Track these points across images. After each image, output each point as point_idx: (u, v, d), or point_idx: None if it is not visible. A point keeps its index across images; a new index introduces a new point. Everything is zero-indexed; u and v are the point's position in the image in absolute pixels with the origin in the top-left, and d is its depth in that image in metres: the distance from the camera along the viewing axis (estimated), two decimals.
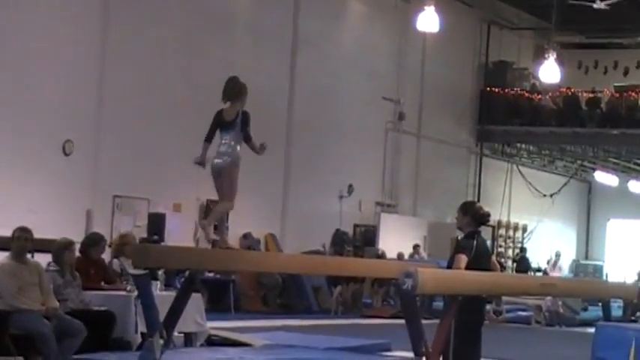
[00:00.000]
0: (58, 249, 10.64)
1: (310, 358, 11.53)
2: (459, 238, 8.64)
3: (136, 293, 10.34)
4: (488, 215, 8.63)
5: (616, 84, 31.11)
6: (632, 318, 21.67)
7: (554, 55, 28.01)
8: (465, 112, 31.32)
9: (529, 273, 28.29)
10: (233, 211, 8.12)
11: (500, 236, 32.90)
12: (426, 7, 24.35)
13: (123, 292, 11.04)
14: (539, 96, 31.40)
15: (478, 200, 26.68)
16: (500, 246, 32.77)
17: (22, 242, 9.85)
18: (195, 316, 11.58)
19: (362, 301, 22.61)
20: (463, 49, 30.80)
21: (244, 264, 8.30)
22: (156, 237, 18.94)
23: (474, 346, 8.42)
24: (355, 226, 26.59)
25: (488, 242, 15.98)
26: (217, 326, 13.44)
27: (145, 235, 19.18)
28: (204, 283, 17.54)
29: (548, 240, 34.44)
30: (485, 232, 12.46)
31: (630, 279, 26.16)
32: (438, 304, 17.71)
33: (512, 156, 33.12)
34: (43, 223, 14.20)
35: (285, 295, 21.82)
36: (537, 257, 32.52)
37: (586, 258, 37.35)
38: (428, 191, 29.33)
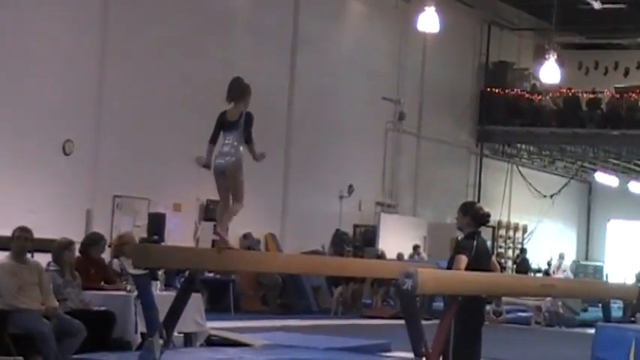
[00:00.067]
0: (58, 249, 10.64)
1: (310, 359, 11.53)
2: (459, 238, 8.64)
3: (135, 293, 10.34)
4: (489, 216, 8.62)
5: (616, 85, 31.11)
6: (632, 319, 21.65)
7: (555, 56, 28.01)
8: (465, 112, 31.32)
9: (529, 274, 28.28)
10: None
11: (501, 237, 32.91)
12: (426, 8, 24.35)
13: (123, 292, 11.04)
14: (540, 96, 31.40)
15: (478, 201, 26.67)
16: (501, 246, 32.77)
17: (22, 242, 9.85)
18: (195, 316, 11.58)
19: (362, 301, 22.61)
20: (463, 50, 30.81)
21: (244, 264, 8.30)
22: (156, 237, 18.93)
23: (474, 346, 8.41)
24: (355, 226, 26.59)
25: (489, 243, 15.97)
26: (217, 326, 13.44)
27: (145, 235, 19.18)
28: (204, 283, 17.54)
29: (548, 241, 34.45)
30: (486, 233, 12.46)
31: (630, 280, 26.15)
32: (438, 305, 17.71)
33: (512, 156, 33.12)
34: (43, 222, 14.21)
35: (285, 295, 21.81)
36: (537, 258, 32.52)
37: (586, 259, 37.36)
38: (428, 191, 29.33)
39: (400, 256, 23.68)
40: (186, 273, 8.48)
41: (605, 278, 32.42)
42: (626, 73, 33.19)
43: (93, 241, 11.61)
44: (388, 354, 13.43)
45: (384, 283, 21.66)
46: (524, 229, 34.23)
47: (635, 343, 10.98)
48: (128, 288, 11.02)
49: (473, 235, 8.41)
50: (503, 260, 30.68)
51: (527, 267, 30.30)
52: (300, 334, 15.09)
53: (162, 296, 9.80)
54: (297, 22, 24.28)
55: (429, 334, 7.41)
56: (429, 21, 24.55)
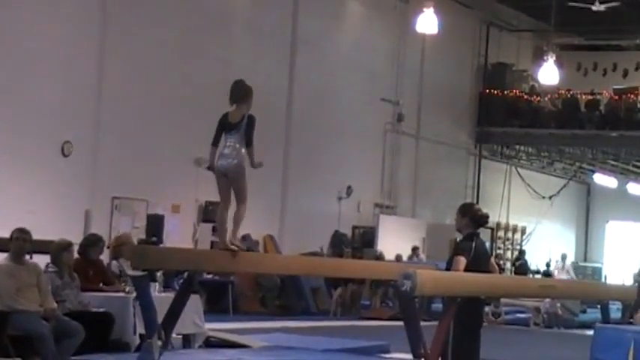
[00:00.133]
0: (57, 250, 10.64)
1: None
2: (458, 239, 8.63)
3: (134, 294, 10.35)
4: (487, 217, 8.62)
5: (615, 86, 31.14)
6: (631, 320, 21.64)
7: (554, 57, 28.03)
8: (464, 113, 31.32)
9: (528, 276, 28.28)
10: (231, 211, 8.11)
11: (499, 238, 32.91)
12: (425, 9, 24.37)
13: (121, 294, 11.04)
14: (538, 98, 31.43)
15: (477, 202, 26.65)
16: (499, 248, 32.78)
17: (20, 243, 9.84)
18: (193, 317, 11.57)
19: (360, 302, 22.60)
20: (462, 51, 30.81)
21: (243, 265, 8.29)
22: (154, 238, 18.91)
23: (473, 347, 8.41)
24: (354, 227, 26.58)
25: (487, 244, 15.97)
26: (216, 328, 13.43)
27: (143, 236, 19.16)
28: (202, 285, 17.52)
29: (547, 242, 34.46)
30: (484, 234, 12.46)
31: (628, 281, 26.16)
32: (437, 306, 17.72)
33: (511, 158, 33.12)
34: (42, 224, 14.19)
35: (284, 296, 21.80)
36: (536, 259, 32.52)
37: (585, 260, 37.37)
38: (427, 193, 29.33)
39: (399, 258, 23.67)
40: (185, 274, 8.47)
41: (603, 279, 32.42)
42: (625, 74, 33.20)
43: (91, 243, 11.61)
44: (387, 355, 13.43)
45: (383, 284, 21.65)
46: (523, 231, 34.24)
47: (633, 344, 10.98)
48: (127, 289, 11.02)
49: (472, 237, 8.41)
50: (502, 261, 30.67)
51: (526, 269, 30.28)
52: (298, 335, 15.09)
53: (161, 297, 9.80)
54: (296, 23, 24.28)
55: (428, 336, 7.41)
56: (427, 22, 24.57)
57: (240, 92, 8.09)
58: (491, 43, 31.99)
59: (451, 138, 30.47)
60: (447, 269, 8.23)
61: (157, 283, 11.32)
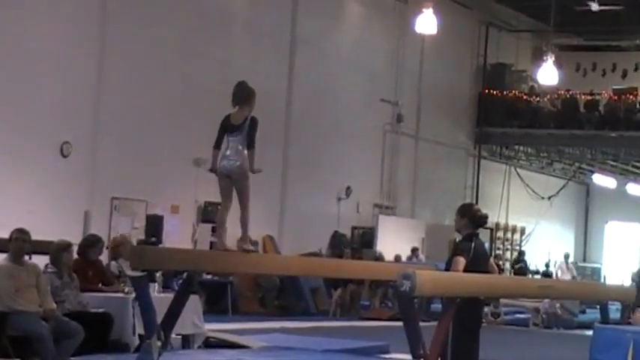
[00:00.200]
0: (56, 250, 10.64)
1: None
2: (457, 240, 8.63)
3: (133, 295, 10.34)
4: (486, 217, 8.62)
5: (614, 86, 31.15)
6: (630, 320, 21.63)
7: (553, 58, 28.03)
8: (463, 114, 31.32)
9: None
10: (231, 213, 8.11)
11: (499, 238, 32.91)
12: (424, 9, 24.36)
13: (121, 294, 11.05)
14: (538, 98, 31.43)
15: (476, 202, 26.65)
16: (499, 248, 32.77)
17: (19, 244, 9.84)
18: (193, 317, 11.57)
19: (360, 303, 22.60)
20: (461, 51, 30.81)
21: (242, 266, 8.29)
22: (154, 239, 18.92)
23: (472, 348, 8.41)
24: (353, 228, 26.57)
25: (487, 244, 15.97)
26: (215, 328, 13.42)
27: (142, 236, 19.17)
28: (201, 285, 17.52)
29: (546, 242, 34.46)
30: (484, 235, 12.48)
31: (628, 281, 26.15)
32: (436, 307, 17.70)
33: (510, 158, 33.12)
34: (41, 224, 14.18)
35: (283, 296, 21.80)
36: (535, 260, 32.52)
37: (584, 260, 37.36)
38: (426, 193, 29.33)
39: (398, 258, 23.67)
40: (184, 275, 8.46)
41: (602, 280, 32.42)
42: (624, 74, 33.20)
43: (91, 243, 11.61)
44: (386, 355, 13.43)
45: (383, 284, 21.65)
46: (522, 231, 34.24)
47: (633, 344, 10.98)
48: (126, 290, 11.02)
49: (471, 237, 8.41)
50: (501, 262, 30.67)
51: (525, 270, 30.28)
52: (298, 335, 15.09)
53: (160, 298, 9.78)
54: (295, 23, 24.28)
55: (427, 336, 7.41)
56: (427, 22, 24.56)
57: (243, 94, 8.08)
58: (490, 44, 31.99)
59: (450, 138, 30.47)
60: (447, 269, 8.23)
61: (156, 284, 11.32)
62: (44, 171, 18.27)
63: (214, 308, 18.94)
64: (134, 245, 12.01)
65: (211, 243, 19.13)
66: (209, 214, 20.81)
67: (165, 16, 20.68)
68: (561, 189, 34.92)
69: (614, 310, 22.75)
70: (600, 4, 28.60)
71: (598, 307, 22.37)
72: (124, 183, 19.83)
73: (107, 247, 12.39)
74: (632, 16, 28.78)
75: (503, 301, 21.56)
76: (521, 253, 32.00)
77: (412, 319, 7.40)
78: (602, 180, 34.94)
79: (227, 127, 7.98)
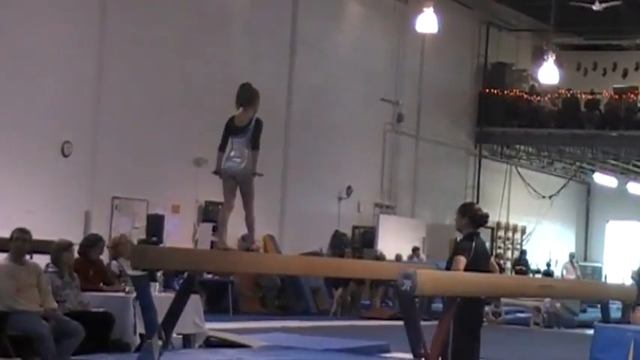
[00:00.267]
0: (57, 250, 10.64)
1: (309, 359, 11.53)
2: (458, 239, 8.64)
3: (134, 294, 10.34)
4: (487, 217, 8.62)
5: (615, 85, 31.14)
6: (629, 319, 21.62)
7: (553, 57, 28.04)
8: (464, 113, 31.32)
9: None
10: (234, 215, 8.14)
11: (499, 238, 32.92)
12: (424, 9, 24.37)
13: (121, 294, 11.05)
14: (538, 97, 31.43)
15: (477, 202, 26.62)
16: (500, 247, 32.78)
17: (20, 243, 9.85)
18: (193, 317, 11.57)
19: (361, 302, 22.60)
20: (462, 51, 30.81)
21: (243, 265, 8.29)
22: (154, 238, 18.93)
23: (473, 347, 8.41)
24: (354, 227, 26.58)
25: (487, 244, 15.97)
26: (216, 327, 13.43)
27: (143, 236, 19.17)
28: (202, 285, 17.52)
29: (547, 242, 34.45)
30: (484, 234, 12.46)
31: (628, 280, 26.15)
32: (437, 306, 17.71)
33: (511, 157, 33.12)
34: (42, 224, 14.19)
35: (284, 296, 21.80)
36: (536, 259, 32.51)
37: (585, 259, 37.35)
38: (426, 193, 29.32)
39: (398, 257, 23.67)
40: (185, 274, 8.47)
41: (603, 279, 32.41)
42: (625, 74, 33.20)
43: (91, 243, 11.62)
44: (387, 355, 13.43)
45: (383, 284, 21.65)
46: (523, 230, 34.24)
47: (633, 343, 10.99)
48: (127, 289, 11.03)
49: (472, 236, 8.41)
50: (502, 261, 30.68)
51: (526, 270, 30.27)
52: (298, 335, 15.08)
53: (161, 297, 9.79)
54: (295, 23, 24.28)
55: (428, 335, 7.41)
56: (427, 22, 24.57)
57: (247, 95, 8.10)
58: (490, 43, 31.99)
59: (451, 138, 30.47)
60: (447, 269, 8.24)
61: (157, 283, 11.32)
62: (45, 171, 18.28)
63: (215, 308, 18.93)
64: (135, 245, 12.01)
65: (212, 242, 19.16)
66: (210, 214, 20.81)
67: (165, 16, 20.68)
68: (562, 188, 34.91)
69: (615, 309, 22.79)
70: (601, 3, 28.59)
71: (599, 306, 22.46)
72: (124, 182, 19.83)
73: (108, 247, 12.39)
74: (633, 15, 28.77)
75: (504, 300, 21.56)
76: (523, 253, 32.00)
77: (413, 319, 7.40)
78: (603, 179, 34.94)
79: (231, 129, 7.99)
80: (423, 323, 7.50)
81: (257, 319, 18.57)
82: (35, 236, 10.13)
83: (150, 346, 7.27)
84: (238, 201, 8.11)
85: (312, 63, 24.70)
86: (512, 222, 33.59)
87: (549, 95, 31.20)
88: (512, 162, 33.25)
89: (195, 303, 11.38)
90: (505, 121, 31.43)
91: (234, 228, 8.20)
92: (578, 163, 34.57)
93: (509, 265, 31.99)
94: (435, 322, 7.61)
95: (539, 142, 31.75)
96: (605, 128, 30.01)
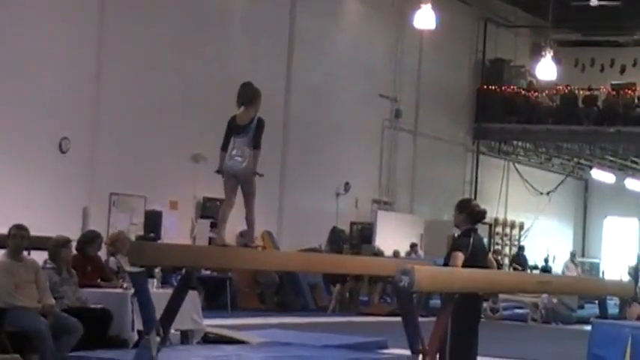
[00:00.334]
0: (55, 246, 10.64)
1: (307, 356, 11.51)
2: (456, 235, 8.65)
3: (132, 291, 10.33)
4: (485, 213, 8.64)
5: (613, 82, 31.14)
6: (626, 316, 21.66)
7: (551, 53, 28.04)
8: (462, 109, 31.32)
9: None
10: (234, 212, 8.15)
11: (497, 234, 32.93)
12: (422, 5, 24.34)
13: (119, 290, 11.05)
14: (536, 94, 31.43)
15: (475, 198, 26.69)
16: (497, 243, 32.77)
17: (18, 240, 9.85)
18: (191, 313, 11.57)
19: (359, 298, 22.60)
20: (460, 47, 30.81)
21: (241, 262, 8.29)
22: (152, 234, 18.93)
23: (471, 343, 8.42)
24: (352, 223, 26.58)
25: (485, 240, 15.96)
26: (214, 324, 13.43)
27: (141, 232, 19.17)
28: (200, 281, 17.52)
29: (544, 237, 34.47)
30: (482, 230, 12.47)
31: (626, 276, 26.18)
32: (435, 302, 17.70)
33: (508, 154, 33.13)
34: (40, 220, 14.20)
35: (282, 293, 21.79)
36: (534, 255, 32.53)
37: (582, 256, 37.34)
38: (424, 189, 29.33)
39: (397, 254, 23.67)
40: (183, 271, 8.47)
41: (601, 275, 32.44)
42: (623, 70, 33.21)
43: (89, 239, 11.61)
44: (385, 351, 13.42)
45: (381, 280, 21.66)
46: (521, 227, 34.24)
47: (631, 339, 11.00)
48: (125, 286, 11.02)
49: (469, 233, 8.42)
50: (500, 257, 30.68)
51: (524, 267, 30.27)
52: (297, 331, 15.07)
53: (159, 294, 9.79)
54: (293, 21, 24.27)
55: (426, 332, 7.41)
56: (425, 18, 24.55)
57: (249, 94, 8.11)
58: (488, 39, 31.99)
59: (449, 134, 30.48)
60: (445, 265, 8.24)
61: (155, 280, 11.33)
62: (43, 167, 18.28)
63: (213, 304, 18.93)
64: (133, 241, 12.00)
65: (210, 239, 19.17)
66: (208, 210, 20.81)
67: (163, 15, 20.68)
68: (560, 184, 34.92)
69: (613, 305, 22.84)
70: (599, 0, 28.60)
71: (596, 302, 22.52)
72: (122, 179, 19.83)
73: (106, 243, 12.39)
74: (631, 12, 28.78)
75: (501, 296, 21.57)
76: (521, 249, 32.01)
77: (411, 315, 7.40)
78: (601, 175, 34.94)
79: (233, 128, 7.99)
80: (420, 319, 7.50)
81: (255, 316, 18.58)
82: (33, 232, 10.14)
83: (148, 342, 7.27)
84: (238, 198, 8.12)
85: (311, 60, 24.70)
86: (509, 218, 33.60)
87: (547, 91, 31.20)
88: (510, 158, 33.26)
89: (193, 299, 11.38)
90: (503, 117, 31.43)
91: (233, 224, 8.21)
92: (575, 160, 34.58)
93: (506, 261, 32.00)
94: (433, 319, 7.62)
95: (537, 138, 31.76)
96: (603, 124, 30.02)
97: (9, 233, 9.90)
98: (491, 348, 11.62)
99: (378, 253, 23.02)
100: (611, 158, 33.46)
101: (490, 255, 9.26)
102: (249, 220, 8.02)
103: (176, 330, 11.30)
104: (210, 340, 12.32)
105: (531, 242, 33.72)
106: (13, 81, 17.73)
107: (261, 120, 8.02)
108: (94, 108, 19.30)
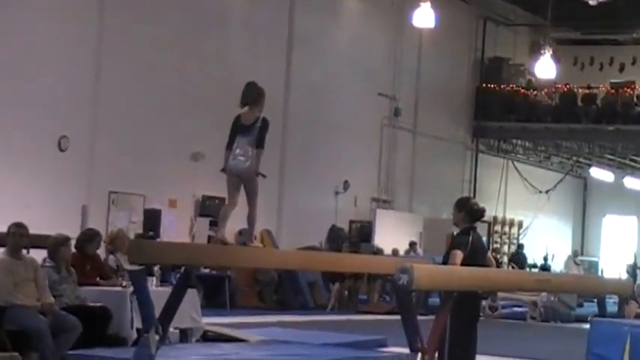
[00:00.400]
0: (54, 245, 10.64)
1: (306, 354, 11.51)
2: (455, 233, 8.65)
3: (131, 289, 10.34)
4: (484, 211, 8.64)
5: (612, 80, 31.17)
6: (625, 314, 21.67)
7: (550, 51, 28.05)
8: (461, 108, 31.33)
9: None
10: (236, 211, 8.16)
11: (496, 232, 32.95)
12: (421, 3, 24.36)
13: (118, 288, 11.05)
14: (535, 92, 31.44)
15: (474, 196, 26.68)
16: (496, 242, 32.80)
17: (17, 238, 9.85)
18: (190, 312, 11.58)
19: (358, 297, 22.60)
20: (459, 45, 30.81)
21: (240, 260, 8.29)
22: (151, 233, 18.94)
23: (470, 341, 8.43)
24: (351, 222, 26.59)
25: (484, 238, 15.97)
26: (213, 322, 13.43)
27: (140, 230, 19.17)
28: (199, 279, 17.50)
29: (543, 236, 34.48)
30: (481, 228, 12.46)
31: (625, 275, 26.20)
32: (434, 300, 17.71)
33: (507, 152, 33.14)
34: (39, 218, 14.20)
35: (281, 291, 21.79)
36: (533, 253, 32.55)
37: (581, 254, 37.35)
38: (423, 187, 29.34)
39: (396, 252, 23.67)
40: (182, 269, 8.47)
41: (600, 273, 32.45)
42: (622, 68, 33.22)
43: (88, 237, 11.61)
44: (384, 349, 13.43)
45: (381, 278, 21.66)
46: (520, 225, 34.26)
47: (630, 337, 11.00)
48: (124, 284, 11.03)
49: (468, 231, 8.42)
50: (498, 256, 30.70)
51: (523, 265, 30.29)
52: (295, 329, 15.07)
53: (158, 292, 9.79)
54: (293, 19, 24.28)
55: (425, 330, 7.42)
56: (424, 17, 24.56)
57: (253, 94, 8.12)
58: (487, 38, 31.99)
59: (448, 132, 30.48)
60: (444, 263, 8.25)
61: (154, 278, 11.33)
62: (42, 165, 18.29)
63: (212, 302, 18.94)
64: (132, 239, 12.01)
65: (209, 237, 19.17)
66: (207, 209, 20.82)
67: (162, 13, 20.68)
68: (559, 183, 34.93)
69: (612, 303, 22.85)
70: None
71: (595, 300, 22.54)
72: (121, 177, 19.84)
73: (105, 242, 12.39)
74: (630, 10, 28.78)
75: (500, 294, 21.58)
76: (520, 247, 32.02)
77: (410, 313, 7.41)
78: (600, 174, 34.97)
79: (238, 128, 7.99)
80: (420, 318, 7.51)
81: (254, 314, 18.58)
82: (32, 231, 10.14)
83: (147, 341, 7.27)
84: (240, 197, 8.12)
85: (310, 59, 24.70)
86: (508, 216, 33.62)
87: (546, 90, 31.22)
88: (509, 156, 33.27)
89: (192, 297, 11.38)
90: (502, 115, 31.44)
91: (233, 223, 8.21)
92: (574, 158, 34.59)
93: (505, 259, 32.02)
94: (432, 317, 7.62)
95: (536, 136, 31.77)
96: (602, 123, 30.03)
97: (8, 231, 9.90)
98: (490, 346, 11.63)
99: (377, 252, 23.02)
100: (610, 157, 33.47)
101: (489, 253, 9.26)
102: (251, 218, 8.02)
103: (175, 328, 11.30)
104: (210, 338, 12.32)
105: (530, 241, 33.73)
106: (13, 80, 17.74)
107: (265, 120, 8.02)
108: (93, 107, 19.31)
